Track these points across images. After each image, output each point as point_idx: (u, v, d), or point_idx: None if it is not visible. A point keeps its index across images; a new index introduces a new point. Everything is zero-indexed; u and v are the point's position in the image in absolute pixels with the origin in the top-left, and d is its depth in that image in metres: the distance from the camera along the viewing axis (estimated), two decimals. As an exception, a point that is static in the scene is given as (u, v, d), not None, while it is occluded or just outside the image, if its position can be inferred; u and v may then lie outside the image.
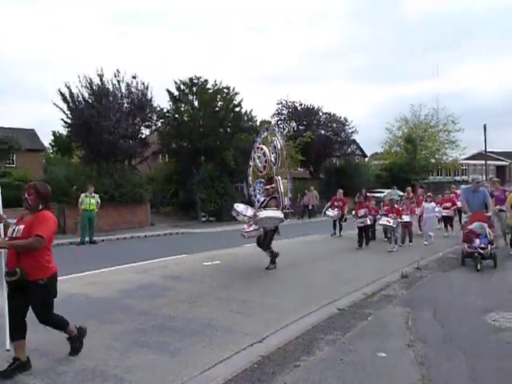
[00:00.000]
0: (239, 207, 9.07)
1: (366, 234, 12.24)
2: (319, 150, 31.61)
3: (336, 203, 15.16)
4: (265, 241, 8.85)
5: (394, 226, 11.27)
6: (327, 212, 15.12)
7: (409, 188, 15.79)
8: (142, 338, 4.80)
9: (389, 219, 11.28)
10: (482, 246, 8.36)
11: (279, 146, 9.02)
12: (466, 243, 8.66)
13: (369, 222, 12.23)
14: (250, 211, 8.81)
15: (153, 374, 3.86)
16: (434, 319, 5.37)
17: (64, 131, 24.25)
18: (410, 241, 12.54)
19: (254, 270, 8.86)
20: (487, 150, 39.57)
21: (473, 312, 5.63)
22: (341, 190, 15.73)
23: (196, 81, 23.84)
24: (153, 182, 23.77)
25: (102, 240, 14.85)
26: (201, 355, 4.27)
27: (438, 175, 45.76)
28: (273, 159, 8.98)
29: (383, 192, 25.09)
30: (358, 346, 4.51)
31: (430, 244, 12.40)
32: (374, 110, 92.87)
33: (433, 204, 13.17)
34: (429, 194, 14.62)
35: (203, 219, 22.91)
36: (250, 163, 9.64)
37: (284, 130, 33.11)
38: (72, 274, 7.96)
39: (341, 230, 15.13)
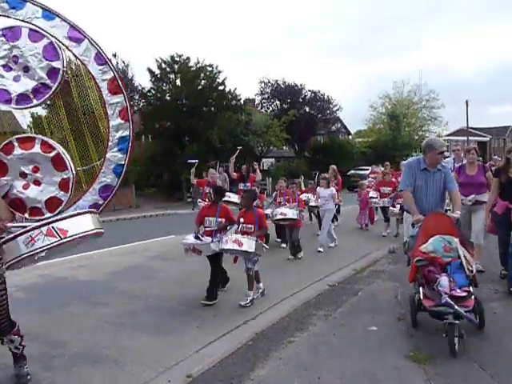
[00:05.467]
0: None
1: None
2: (303, 129, 31.50)
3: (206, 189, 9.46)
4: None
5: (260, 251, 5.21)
6: (199, 203, 9.45)
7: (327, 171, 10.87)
8: (133, 319, 4.77)
9: (243, 240, 4.99)
10: (459, 292, 3.72)
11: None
12: (421, 285, 4.01)
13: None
14: None
15: (146, 355, 3.84)
16: (423, 292, 5.45)
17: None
18: (296, 252, 7.81)
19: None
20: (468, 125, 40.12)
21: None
22: (211, 170, 9.98)
23: (178, 59, 23.30)
24: (136, 164, 23.39)
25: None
26: (194, 335, 4.27)
27: (421, 151, 46.27)
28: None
29: (367, 169, 25.16)
30: (349, 320, 4.56)
31: (326, 251, 8.35)
32: (357, 87, 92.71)
33: (331, 190, 8.70)
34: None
35: (189, 200, 22.74)
36: None
37: (268, 108, 32.88)
38: (57, 258, 7.82)
39: None
